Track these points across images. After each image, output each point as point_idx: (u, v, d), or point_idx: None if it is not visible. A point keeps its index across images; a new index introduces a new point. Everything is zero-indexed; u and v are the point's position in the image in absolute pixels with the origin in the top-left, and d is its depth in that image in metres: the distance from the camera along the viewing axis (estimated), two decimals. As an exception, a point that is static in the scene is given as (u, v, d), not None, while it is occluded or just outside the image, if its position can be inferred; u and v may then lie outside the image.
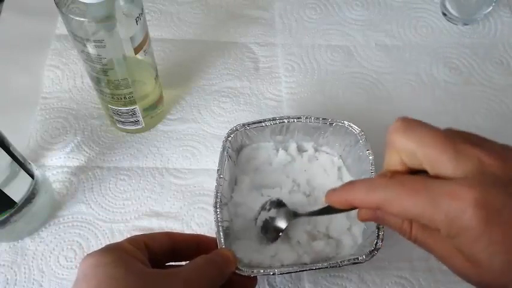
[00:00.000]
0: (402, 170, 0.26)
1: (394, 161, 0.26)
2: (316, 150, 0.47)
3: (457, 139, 0.24)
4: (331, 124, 0.43)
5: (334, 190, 0.30)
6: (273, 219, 0.41)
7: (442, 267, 0.45)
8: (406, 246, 0.46)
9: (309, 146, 0.47)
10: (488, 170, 0.22)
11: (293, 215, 0.41)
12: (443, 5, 0.62)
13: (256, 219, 0.42)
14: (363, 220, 0.29)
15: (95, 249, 0.43)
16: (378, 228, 0.38)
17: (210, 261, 0.33)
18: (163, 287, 0.29)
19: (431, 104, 0.55)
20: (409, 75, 0.57)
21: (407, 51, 0.59)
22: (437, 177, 0.24)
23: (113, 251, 0.30)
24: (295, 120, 0.43)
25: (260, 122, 0.43)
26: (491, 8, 0.60)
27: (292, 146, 0.46)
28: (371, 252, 0.37)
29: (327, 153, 0.46)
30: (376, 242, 0.38)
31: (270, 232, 0.41)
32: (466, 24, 0.62)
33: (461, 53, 0.59)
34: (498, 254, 0.22)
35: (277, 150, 0.46)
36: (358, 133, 0.43)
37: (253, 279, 0.37)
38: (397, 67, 0.58)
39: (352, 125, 0.43)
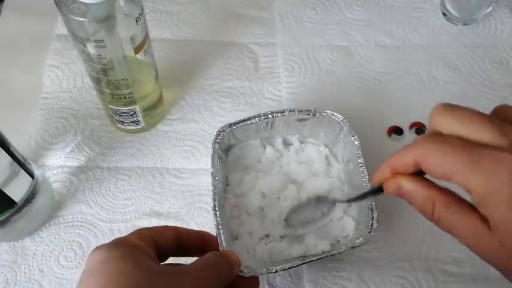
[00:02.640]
0: None
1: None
2: (301, 142, 0.47)
3: (496, 119, 0.24)
4: (314, 115, 0.44)
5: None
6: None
7: (442, 267, 0.45)
8: (406, 246, 0.46)
9: (294, 139, 0.47)
10: None
11: (334, 202, 0.41)
12: (443, 5, 0.62)
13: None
14: (388, 193, 0.28)
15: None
16: (371, 209, 0.39)
17: (221, 258, 0.33)
18: (172, 283, 0.29)
19: (431, 104, 0.55)
20: (409, 75, 0.57)
21: (408, 51, 0.59)
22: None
23: (121, 245, 0.29)
24: (280, 115, 0.44)
25: (246, 120, 0.44)
26: (491, 8, 0.60)
27: (278, 141, 0.47)
28: (368, 233, 0.38)
29: (313, 144, 0.47)
30: (371, 223, 0.38)
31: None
32: (466, 24, 0.62)
33: (461, 53, 0.59)
34: None
35: (265, 147, 0.47)
36: (342, 120, 0.44)
37: (256, 280, 0.37)
38: (397, 67, 0.58)
39: (334, 113, 0.44)
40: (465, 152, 0.24)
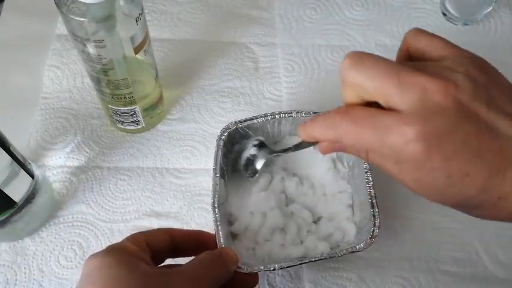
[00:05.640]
0: (358, 103, 0.26)
1: (349, 96, 0.26)
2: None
3: (404, 68, 0.24)
4: None
5: (303, 124, 0.30)
6: (254, 156, 0.44)
7: (442, 267, 0.45)
8: (406, 246, 0.46)
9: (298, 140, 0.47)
10: (430, 98, 0.23)
11: (271, 153, 0.43)
12: (443, 5, 0.62)
13: (240, 158, 0.44)
14: (325, 152, 0.30)
15: (95, 249, 0.44)
16: (374, 216, 0.39)
17: (215, 257, 0.33)
18: (166, 284, 0.29)
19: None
20: (409, 75, 0.57)
21: (407, 51, 0.59)
22: (390, 109, 0.24)
23: (116, 252, 0.30)
24: (287, 116, 0.44)
25: (252, 119, 0.44)
26: (491, 8, 0.60)
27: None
28: (369, 240, 0.38)
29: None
30: (373, 230, 0.38)
31: (250, 169, 0.44)
32: (466, 24, 0.62)
33: (461, 53, 0.59)
34: (439, 177, 0.24)
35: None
36: None
37: (255, 277, 0.37)
38: (397, 67, 0.58)
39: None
40: (369, 128, 0.25)
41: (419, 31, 0.28)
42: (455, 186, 0.24)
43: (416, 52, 0.28)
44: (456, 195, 0.24)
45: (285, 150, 0.40)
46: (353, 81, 0.25)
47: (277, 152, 0.42)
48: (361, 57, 0.25)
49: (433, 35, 0.28)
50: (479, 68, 0.26)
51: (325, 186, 0.45)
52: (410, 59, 0.28)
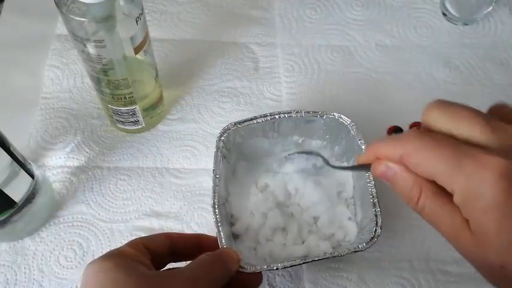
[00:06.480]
0: None
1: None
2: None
3: (491, 117, 0.24)
4: (321, 117, 0.44)
5: (372, 142, 0.28)
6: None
7: (442, 267, 0.45)
8: (406, 246, 0.46)
9: (299, 140, 0.47)
10: None
11: (326, 164, 0.41)
12: (443, 5, 0.62)
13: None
14: (377, 173, 0.28)
15: (95, 249, 0.44)
16: (376, 215, 0.39)
17: (215, 258, 0.33)
18: (166, 286, 0.29)
19: (431, 104, 0.55)
20: (409, 75, 0.57)
21: (407, 51, 0.59)
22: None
23: (114, 256, 0.30)
24: (286, 115, 0.44)
25: (252, 119, 0.44)
26: (491, 8, 0.60)
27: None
28: (371, 239, 0.38)
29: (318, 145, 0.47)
30: (375, 229, 0.38)
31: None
32: (466, 24, 0.62)
33: (461, 53, 0.59)
34: (509, 230, 0.21)
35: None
36: (349, 124, 0.43)
37: (258, 277, 0.37)
38: (397, 67, 0.58)
39: (342, 116, 0.44)
40: (449, 149, 0.23)
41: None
42: None
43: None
44: None
45: (341, 167, 0.42)
46: (436, 122, 0.24)
47: (332, 166, 0.40)
48: (444, 102, 0.24)
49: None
50: None
51: (326, 186, 0.45)
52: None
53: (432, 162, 0.23)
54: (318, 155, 0.41)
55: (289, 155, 0.45)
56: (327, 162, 0.40)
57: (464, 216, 0.23)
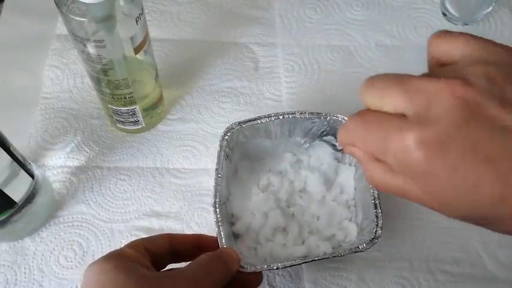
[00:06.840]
0: None
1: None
2: (310, 143, 0.47)
3: (412, 76, 0.23)
4: (325, 118, 0.44)
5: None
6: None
7: (442, 267, 0.45)
8: (406, 246, 0.46)
9: (302, 141, 0.47)
10: (436, 101, 0.21)
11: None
12: (443, 5, 0.62)
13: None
14: (346, 152, 0.28)
15: (95, 249, 0.44)
16: (377, 216, 0.39)
17: (215, 258, 0.33)
18: (165, 287, 0.29)
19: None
20: (409, 75, 0.57)
21: (407, 51, 0.59)
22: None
23: (114, 257, 0.31)
24: (290, 116, 0.44)
25: (255, 119, 0.44)
26: (491, 8, 0.60)
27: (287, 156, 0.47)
28: (371, 240, 0.38)
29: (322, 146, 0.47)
30: (376, 230, 0.38)
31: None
32: (466, 24, 0.62)
33: (461, 53, 0.59)
34: (445, 188, 0.22)
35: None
36: None
37: (258, 276, 0.37)
38: (397, 67, 0.58)
39: (345, 117, 0.44)
40: (376, 130, 0.23)
41: (438, 36, 0.26)
42: (465, 198, 0.21)
43: (441, 59, 0.26)
44: (468, 208, 0.22)
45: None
46: (370, 106, 0.24)
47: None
48: (370, 81, 0.24)
49: (452, 36, 0.25)
50: (502, 62, 0.22)
51: (327, 186, 0.45)
52: (442, 65, 0.26)
53: (370, 146, 0.24)
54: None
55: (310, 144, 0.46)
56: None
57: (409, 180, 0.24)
